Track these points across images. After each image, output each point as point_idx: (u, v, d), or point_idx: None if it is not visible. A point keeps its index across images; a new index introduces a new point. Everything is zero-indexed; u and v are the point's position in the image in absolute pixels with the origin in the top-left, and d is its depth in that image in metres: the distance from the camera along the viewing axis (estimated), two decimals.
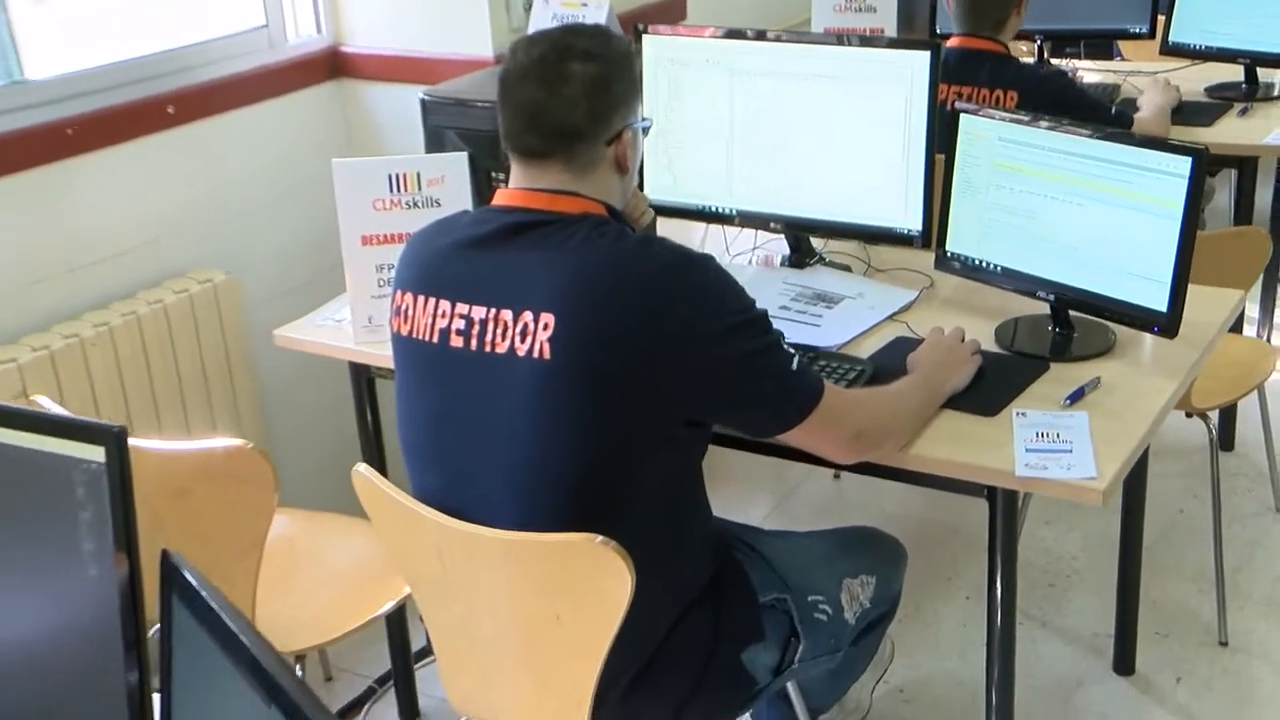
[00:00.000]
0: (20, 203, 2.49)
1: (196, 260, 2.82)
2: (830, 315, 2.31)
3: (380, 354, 2.39)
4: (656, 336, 1.66)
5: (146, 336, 2.62)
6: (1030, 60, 3.64)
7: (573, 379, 1.67)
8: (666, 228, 2.51)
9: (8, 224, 2.48)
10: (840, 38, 2.48)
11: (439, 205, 2.27)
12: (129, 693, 1.18)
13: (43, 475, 1.16)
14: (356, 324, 2.38)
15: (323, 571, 2.35)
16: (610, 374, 1.66)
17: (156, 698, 1.17)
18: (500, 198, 1.80)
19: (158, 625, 1.15)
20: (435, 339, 1.77)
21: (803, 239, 2.56)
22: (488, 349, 1.72)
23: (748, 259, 2.61)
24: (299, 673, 2.29)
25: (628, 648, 1.71)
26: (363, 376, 2.49)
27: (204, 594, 1.06)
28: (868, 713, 2.52)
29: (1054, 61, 3.81)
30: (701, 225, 2.62)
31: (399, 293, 1.84)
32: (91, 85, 2.62)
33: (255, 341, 2.80)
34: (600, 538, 1.62)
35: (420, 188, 2.29)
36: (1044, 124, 2.15)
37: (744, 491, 3.26)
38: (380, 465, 2.47)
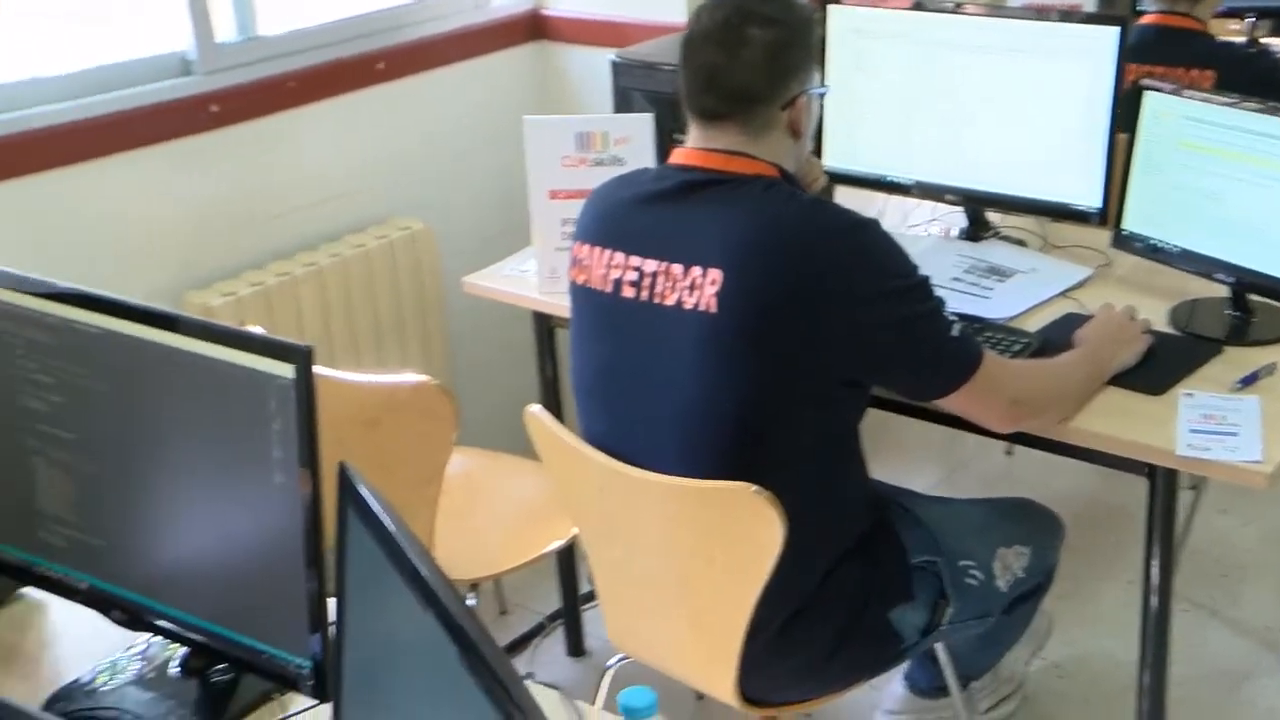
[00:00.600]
0: (249, 149, 2.67)
1: (398, 209, 2.96)
2: (1001, 289, 2.30)
3: (562, 305, 2.45)
4: (819, 296, 1.69)
5: (350, 277, 2.77)
6: (1238, 40, 3.51)
7: (736, 333, 1.71)
8: (845, 196, 2.53)
9: (238, 167, 2.67)
10: (1037, 12, 2.45)
11: (623, 163, 2.34)
12: (309, 593, 1.29)
13: (242, 387, 1.27)
14: (541, 275, 2.47)
15: (496, 508, 2.45)
16: (772, 330, 1.70)
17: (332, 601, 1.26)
18: (678, 156, 1.86)
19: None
20: (609, 289, 1.84)
21: (979, 212, 2.55)
22: (656, 300, 1.78)
23: (924, 230, 2.61)
24: (472, 601, 2.40)
25: (778, 595, 1.76)
26: (544, 325, 2.58)
27: (372, 504, 1.14)
28: (1021, 685, 2.51)
29: (1266, 42, 3.65)
30: (880, 195, 2.63)
31: (578, 244, 1.91)
32: (313, 42, 2.78)
33: (447, 288, 2.91)
34: (755, 487, 1.67)
35: (607, 146, 2.36)
36: (1250, 105, 2.09)
37: (913, 461, 3.26)
38: (556, 412, 2.55)
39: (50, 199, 2.40)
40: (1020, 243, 2.51)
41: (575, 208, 2.35)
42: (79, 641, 1.58)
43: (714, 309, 1.72)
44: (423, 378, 2.04)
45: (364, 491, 1.16)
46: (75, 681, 1.49)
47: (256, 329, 2.25)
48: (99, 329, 1.36)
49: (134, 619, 1.45)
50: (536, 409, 1.93)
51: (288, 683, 1.34)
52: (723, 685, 1.85)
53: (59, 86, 2.41)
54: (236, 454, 1.30)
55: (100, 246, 2.46)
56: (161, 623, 1.42)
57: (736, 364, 1.73)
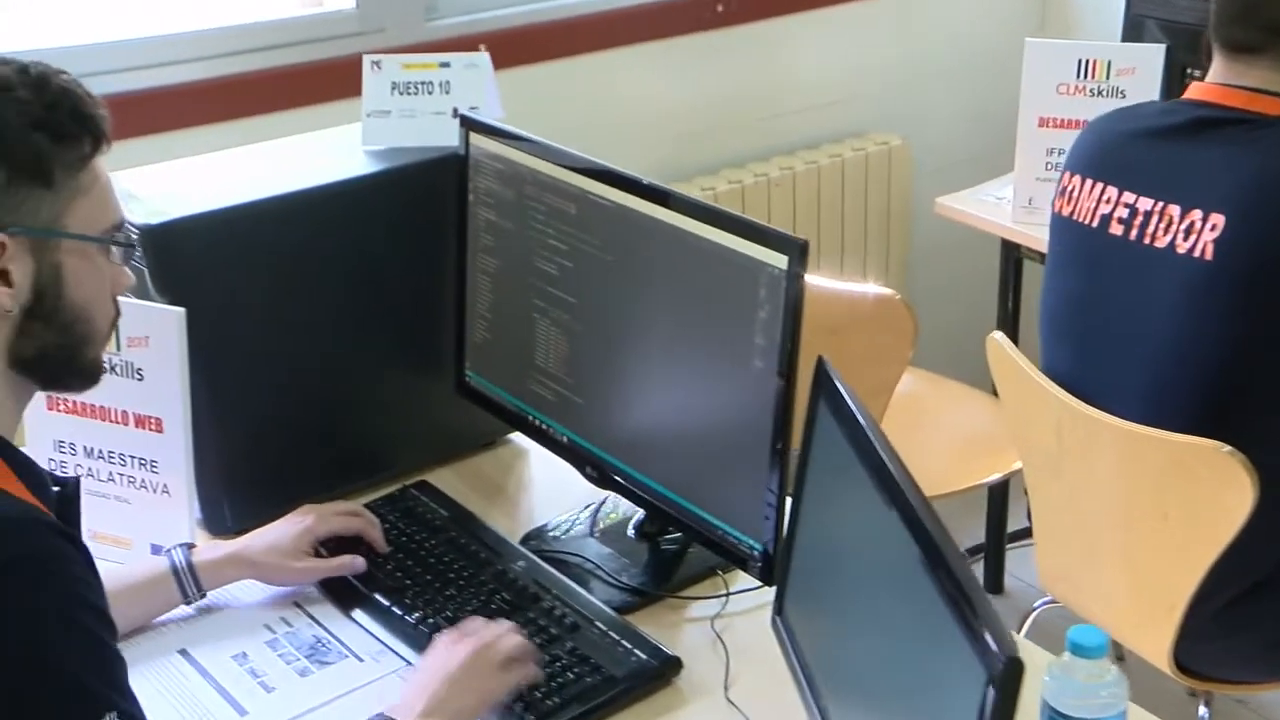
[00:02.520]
0: (747, 51, 2.73)
1: (878, 123, 2.94)
2: None
3: (1033, 235, 2.39)
4: None
5: (822, 186, 2.80)
6: None
7: (1231, 284, 1.61)
8: None
9: (735, 68, 2.73)
10: None
11: (1123, 96, 2.23)
12: (771, 479, 1.31)
13: (735, 272, 1.31)
14: (1016, 203, 2.40)
15: (938, 433, 2.42)
16: (1271, 283, 1.58)
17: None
18: (1193, 91, 1.74)
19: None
20: (1095, 223, 1.77)
21: None
22: (1146, 241, 1.69)
23: None
24: None
25: (1233, 566, 1.66)
26: (1012, 255, 2.51)
27: (848, 399, 1.17)
28: None
29: None
30: None
31: (1067, 174, 1.84)
32: None
33: (915, 205, 2.89)
34: (1228, 447, 1.57)
35: (1108, 76, 2.25)
36: None
37: None
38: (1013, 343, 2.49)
39: (560, 83, 2.54)
40: None
41: (1063, 137, 2.27)
42: (551, 488, 1.68)
43: (1209, 256, 1.61)
44: (887, 290, 2.04)
45: (840, 387, 1.19)
46: (545, 525, 1.59)
47: None
48: (613, 203, 1.42)
49: (603, 477, 1.53)
50: (999, 336, 1.90)
51: (736, 561, 1.38)
52: (1156, 649, 1.76)
53: None
54: (719, 336, 1.34)
55: (593, 129, 2.59)
56: (627, 485, 1.49)
57: (1226, 317, 1.62)
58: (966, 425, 2.43)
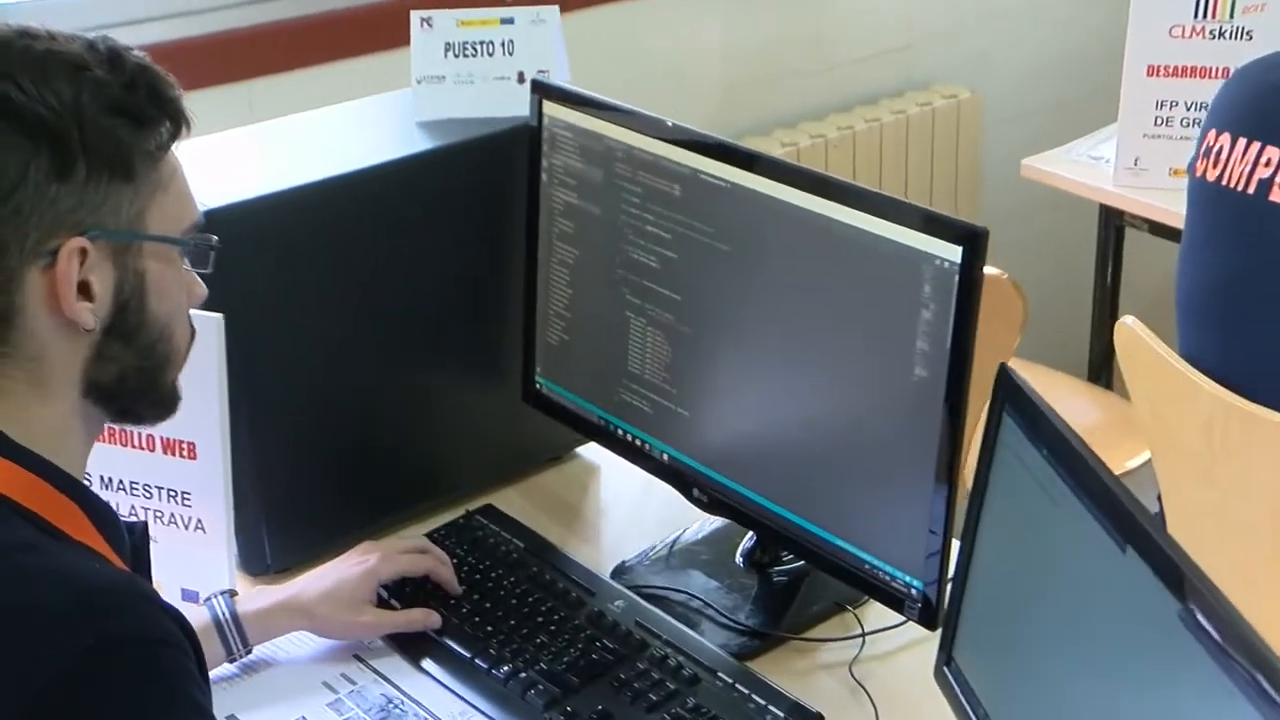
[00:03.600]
0: None
1: (943, 73, 2.87)
2: None
3: (1139, 201, 2.33)
4: None
5: (885, 144, 2.73)
6: None
7: None
8: None
9: (783, 14, 2.65)
10: None
11: (1250, 38, 2.15)
12: (936, 504, 1.24)
13: (891, 265, 1.23)
14: (1119, 164, 2.33)
15: None
16: None
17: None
18: None
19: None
20: (1251, 189, 1.69)
21: None
22: None
23: None
24: None
25: None
26: (1113, 223, 2.44)
27: (1047, 415, 1.09)
28: None
29: None
30: None
31: (1212, 132, 1.77)
32: None
33: (987, 167, 2.82)
34: None
35: (1231, 15, 2.17)
36: None
37: None
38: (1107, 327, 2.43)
39: (583, 33, 2.43)
40: None
41: (1176, 88, 2.21)
42: (633, 510, 1.64)
43: None
44: (993, 270, 1.95)
45: (1036, 401, 1.11)
46: (637, 555, 1.54)
47: None
48: (730, 183, 1.36)
49: (714, 501, 1.47)
50: (1131, 321, 1.82)
51: (887, 600, 1.32)
52: None
53: None
54: (871, 340, 1.27)
55: (621, 86, 2.50)
56: (746, 510, 1.43)
57: None
58: (1072, 419, 2.35)
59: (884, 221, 1.23)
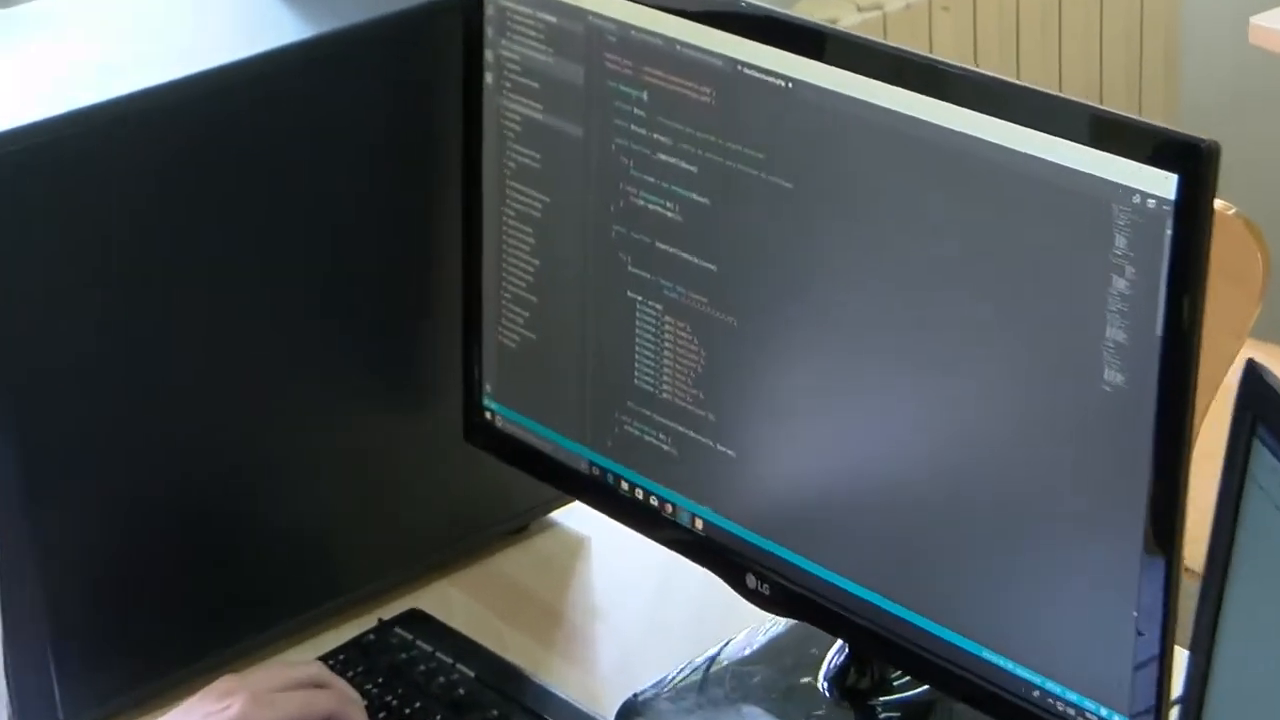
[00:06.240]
0: None
1: None
2: None
3: None
4: None
5: (1021, 7, 2.77)
6: None
7: None
8: None
9: None
10: None
11: None
12: (1147, 573, 1.24)
13: (1063, 206, 1.22)
14: None
15: None
16: None
17: None
18: None
19: None
20: None
21: None
22: None
23: None
24: None
25: None
26: None
27: None
28: None
29: None
30: None
31: None
32: None
33: (1193, 24, 2.84)
34: None
35: None
36: None
37: None
38: None
39: None
40: None
41: None
42: (650, 611, 1.69)
43: None
44: (1218, 202, 1.97)
45: None
46: (661, 683, 1.56)
47: None
48: (792, 81, 1.35)
49: (781, 593, 1.47)
50: None
51: None
52: None
53: None
54: (1031, 329, 1.26)
55: None
56: (833, 607, 1.44)
57: None
58: None
59: (1046, 136, 1.22)
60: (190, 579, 1.57)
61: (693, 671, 1.56)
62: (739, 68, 1.38)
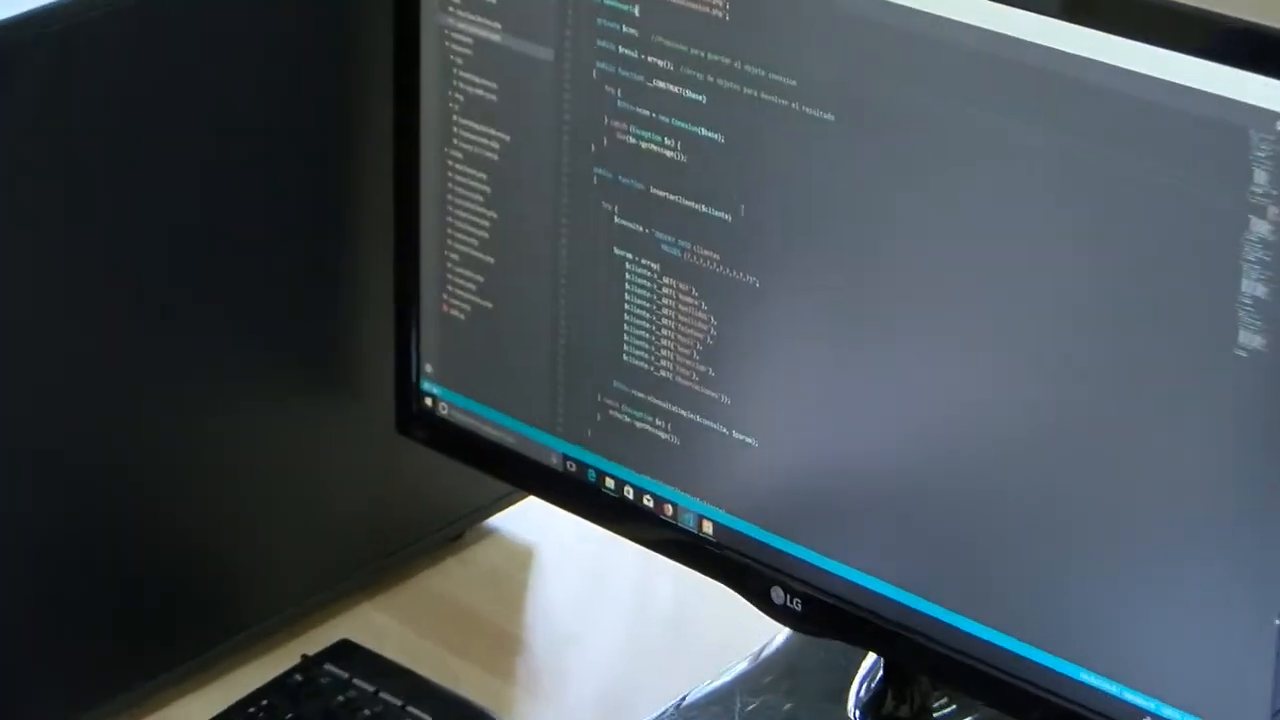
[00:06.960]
0: None
1: None
2: None
3: None
4: None
5: None
6: None
7: None
8: None
9: None
10: None
11: None
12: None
13: (1185, 135, 1.20)
14: None
15: None
16: None
17: None
18: None
19: None
20: None
21: None
22: None
23: None
24: None
25: None
26: None
27: None
28: None
29: None
30: None
31: None
32: None
33: None
34: None
35: None
36: None
37: None
38: None
39: None
40: None
41: None
42: (631, 631, 1.72)
43: None
44: None
45: None
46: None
47: None
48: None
49: (813, 606, 1.44)
50: None
51: None
52: None
53: None
54: (1143, 282, 1.24)
55: None
56: (869, 616, 1.43)
57: None
58: None
59: (1166, 51, 1.19)
60: (79, 613, 1.56)
61: (692, 706, 1.57)
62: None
